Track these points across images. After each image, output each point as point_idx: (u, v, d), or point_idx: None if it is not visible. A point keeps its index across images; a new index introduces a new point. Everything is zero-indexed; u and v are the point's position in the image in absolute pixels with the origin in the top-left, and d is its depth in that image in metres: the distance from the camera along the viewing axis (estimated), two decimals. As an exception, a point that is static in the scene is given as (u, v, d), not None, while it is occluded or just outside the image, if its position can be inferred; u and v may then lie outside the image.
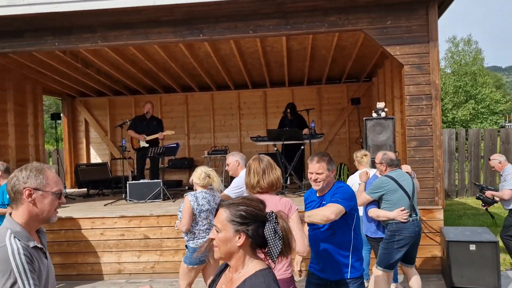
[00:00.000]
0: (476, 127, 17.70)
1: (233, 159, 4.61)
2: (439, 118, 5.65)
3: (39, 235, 1.91)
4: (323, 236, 2.97)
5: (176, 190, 8.79)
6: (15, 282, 1.65)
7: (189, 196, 4.01)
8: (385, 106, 5.84)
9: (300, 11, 5.65)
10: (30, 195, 1.81)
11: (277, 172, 2.93)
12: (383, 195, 4.18)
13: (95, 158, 10.64)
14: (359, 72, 9.55)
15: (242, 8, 5.63)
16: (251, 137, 8.00)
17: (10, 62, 7.51)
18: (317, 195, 3.10)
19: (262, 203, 1.74)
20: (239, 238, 1.65)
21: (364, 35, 5.96)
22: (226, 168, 4.76)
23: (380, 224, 4.42)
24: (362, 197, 4.26)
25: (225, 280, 1.74)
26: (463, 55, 24.84)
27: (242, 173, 4.36)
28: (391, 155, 4.43)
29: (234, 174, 4.62)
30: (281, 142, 7.17)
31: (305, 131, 7.80)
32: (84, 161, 10.44)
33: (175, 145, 7.38)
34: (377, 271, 4.18)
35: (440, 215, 5.61)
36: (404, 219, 4.08)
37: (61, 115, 10.53)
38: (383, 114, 5.72)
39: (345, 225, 2.93)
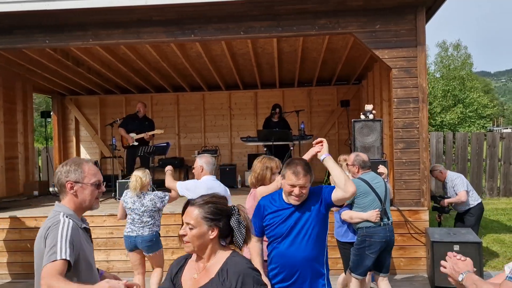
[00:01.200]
0: (464, 131, 17.95)
1: (199, 163, 4.34)
2: (425, 121, 5.76)
3: (82, 221, 2.19)
4: None
5: (166, 189, 8.79)
6: (54, 246, 1.93)
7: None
8: (373, 108, 5.93)
9: (290, 13, 5.73)
10: (72, 187, 2.09)
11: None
12: (355, 198, 4.01)
13: (85, 157, 10.61)
14: (349, 74, 9.66)
15: (233, 9, 5.69)
16: (241, 138, 8.07)
17: (0, 59, 7.47)
18: (288, 203, 2.76)
19: (226, 198, 1.98)
20: (212, 231, 1.86)
21: (354, 39, 6.05)
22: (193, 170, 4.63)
23: (349, 228, 4.33)
24: None
25: (196, 270, 1.92)
26: (452, 59, 25.18)
27: (204, 178, 4.24)
28: (364, 156, 4.32)
29: (197, 177, 4.36)
30: (271, 143, 7.24)
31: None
32: (74, 159, 10.38)
33: (165, 144, 7.41)
34: (350, 277, 4.16)
35: (425, 216, 5.72)
36: (376, 220, 3.99)
37: (51, 113, 10.47)
38: (371, 116, 5.82)
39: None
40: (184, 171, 9.87)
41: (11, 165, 8.37)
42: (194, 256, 1.97)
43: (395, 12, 5.70)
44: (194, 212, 1.86)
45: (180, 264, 2.01)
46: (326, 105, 10.37)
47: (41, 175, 11.11)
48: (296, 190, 2.64)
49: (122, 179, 7.81)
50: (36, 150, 11.33)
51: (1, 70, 7.98)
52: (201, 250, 1.88)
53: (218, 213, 1.88)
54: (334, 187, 2.72)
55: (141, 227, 4.58)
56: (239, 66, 8.66)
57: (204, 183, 4.14)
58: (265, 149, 7.30)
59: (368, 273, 4.29)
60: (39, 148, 12.41)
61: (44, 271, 1.89)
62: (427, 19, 6.06)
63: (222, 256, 1.89)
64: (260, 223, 2.82)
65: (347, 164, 4.44)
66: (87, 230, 2.18)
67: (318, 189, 2.79)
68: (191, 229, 1.85)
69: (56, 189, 2.20)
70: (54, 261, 1.90)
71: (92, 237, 5.58)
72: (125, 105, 10.41)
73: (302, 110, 8.15)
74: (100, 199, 7.78)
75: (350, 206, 4.16)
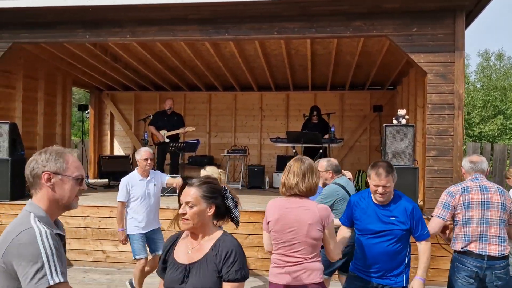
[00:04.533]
0: (504, 143, 17.24)
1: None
2: (461, 129, 5.57)
3: (56, 224, 1.78)
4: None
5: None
6: (41, 267, 1.53)
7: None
8: (407, 114, 5.79)
9: (324, 14, 5.69)
10: (49, 179, 1.70)
11: (316, 177, 2.83)
12: (334, 203, 4.05)
13: (118, 151, 10.90)
14: (383, 79, 9.48)
15: (267, 9, 5.71)
16: (270, 138, 8.06)
17: (43, 52, 7.81)
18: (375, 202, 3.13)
19: (217, 180, 2.21)
20: (210, 209, 2.07)
21: (389, 42, 5.94)
22: None
23: None
24: None
25: (190, 246, 2.10)
26: (494, 69, 24.27)
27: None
28: (335, 161, 4.35)
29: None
30: (300, 145, 7.20)
31: (326, 136, 7.81)
32: (108, 153, 10.70)
33: (195, 141, 7.51)
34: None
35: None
36: None
37: (88, 107, 10.85)
38: (403, 121, 5.68)
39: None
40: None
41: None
42: (185, 234, 2.14)
43: (433, 16, 5.55)
44: (192, 192, 2.05)
45: (172, 242, 2.17)
46: (358, 110, 10.21)
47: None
48: (380, 189, 2.99)
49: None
50: (73, 142, 11.75)
51: (43, 64, 8.34)
52: (199, 227, 2.06)
53: (215, 191, 2.09)
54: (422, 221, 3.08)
55: None
56: (271, 67, 8.67)
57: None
58: (293, 151, 7.27)
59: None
60: (76, 141, 12.86)
61: None
62: (467, 24, 5.88)
63: (215, 234, 2.08)
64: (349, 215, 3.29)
65: (319, 171, 4.28)
66: (61, 238, 1.73)
67: (412, 212, 3.07)
68: (191, 207, 2.03)
69: (27, 181, 1.75)
70: None
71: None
72: (159, 101, 10.62)
73: (333, 113, 8.05)
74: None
75: None
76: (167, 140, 7.81)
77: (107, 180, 8.90)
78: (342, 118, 10.19)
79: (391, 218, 3.04)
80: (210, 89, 10.49)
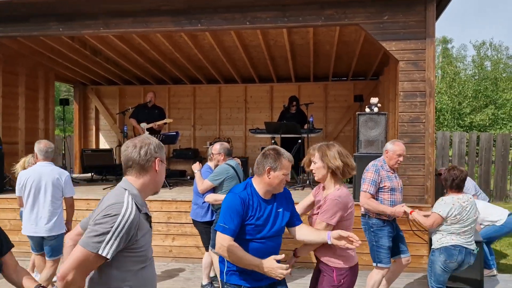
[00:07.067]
0: (495, 133, 17.28)
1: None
2: (432, 116, 5.60)
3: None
4: None
5: (179, 179, 8.94)
6: (106, 233, 1.73)
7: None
8: (379, 102, 5.81)
9: (297, 4, 5.69)
10: (159, 164, 1.95)
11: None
12: (224, 181, 4.52)
13: (104, 145, 10.90)
14: (365, 70, 9.49)
15: (239, -1, 5.71)
16: (250, 129, 8.09)
17: (22, 48, 7.79)
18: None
19: None
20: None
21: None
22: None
23: (209, 210, 4.78)
24: (205, 184, 4.57)
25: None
26: (487, 59, 24.27)
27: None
28: (227, 145, 4.90)
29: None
30: (279, 135, 7.22)
31: (305, 126, 7.83)
32: (94, 147, 10.71)
33: (174, 133, 7.52)
34: (213, 255, 4.59)
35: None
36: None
37: (72, 101, 10.83)
38: (376, 110, 5.71)
39: None
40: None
41: (32, 150, 8.69)
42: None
43: (404, 3, 5.56)
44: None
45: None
46: (342, 101, 10.22)
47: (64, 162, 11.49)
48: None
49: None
50: (60, 137, 11.73)
51: (24, 59, 8.31)
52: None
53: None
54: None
55: None
56: (252, 59, 8.66)
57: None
58: (272, 141, 7.29)
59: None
60: (62, 136, 12.83)
61: (76, 255, 1.73)
62: (439, 12, 5.88)
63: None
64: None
65: (212, 153, 4.86)
66: (148, 217, 1.96)
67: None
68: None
69: (129, 163, 1.93)
70: (90, 251, 1.73)
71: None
72: (143, 95, 10.59)
73: (311, 103, 8.05)
74: (111, 185, 7.93)
75: (214, 189, 4.59)
76: (147, 133, 7.82)
77: (90, 174, 8.91)
78: (326, 109, 10.21)
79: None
80: (194, 82, 10.48)
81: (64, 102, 9.78)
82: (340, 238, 2.56)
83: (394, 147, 4.28)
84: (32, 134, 8.71)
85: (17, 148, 8.15)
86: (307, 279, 3.78)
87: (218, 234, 2.51)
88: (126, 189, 1.87)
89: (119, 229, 1.73)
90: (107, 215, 1.75)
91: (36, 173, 4.39)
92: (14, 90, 8.24)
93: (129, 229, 1.77)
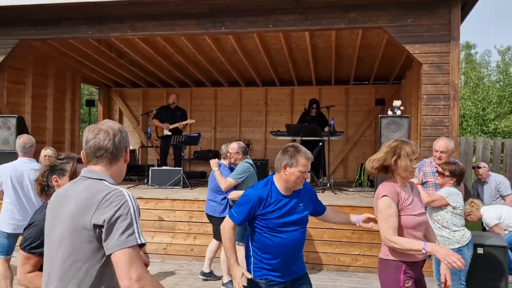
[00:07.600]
0: (519, 139, 16.87)
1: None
2: (456, 119, 5.55)
3: None
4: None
5: (199, 180, 9.04)
6: (131, 223, 1.61)
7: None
8: (401, 105, 5.79)
9: (319, 7, 5.74)
10: (127, 154, 1.85)
11: None
12: (246, 178, 4.71)
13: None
14: (387, 73, 9.45)
15: (263, 3, 5.81)
16: (270, 132, 8.14)
17: (51, 50, 8.06)
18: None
19: None
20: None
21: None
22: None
23: (227, 206, 4.90)
24: (229, 182, 4.75)
25: None
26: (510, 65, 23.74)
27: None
28: (243, 144, 5.08)
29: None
30: (300, 138, 7.25)
31: (325, 129, 7.83)
32: (117, 148, 10.91)
33: (197, 134, 7.64)
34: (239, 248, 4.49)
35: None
36: None
37: (97, 103, 11.09)
38: (398, 112, 5.69)
39: None
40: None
41: (58, 149, 8.94)
42: None
43: (428, 7, 5.55)
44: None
45: None
46: (363, 105, 10.19)
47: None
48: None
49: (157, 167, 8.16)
50: (81, 136, 12.02)
51: (52, 61, 8.60)
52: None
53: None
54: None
55: None
56: (274, 62, 8.74)
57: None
58: (293, 143, 7.31)
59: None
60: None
61: (125, 259, 1.56)
62: (464, 15, 5.85)
63: None
64: None
65: (230, 152, 4.99)
66: None
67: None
68: None
69: (100, 152, 1.77)
70: (132, 246, 1.58)
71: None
72: (166, 98, 10.78)
73: (333, 106, 8.04)
74: (133, 185, 8.10)
75: (235, 186, 4.76)
76: (170, 133, 7.97)
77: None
78: (347, 113, 10.19)
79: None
80: (215, 85, 10.62)
81: (90, 103, 10.03)
82: (368, 220, 2.74)
83: (434, 143, 4.59)
84: (59, 134, 8.99)
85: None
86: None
87: (227, 217, 2.67)
88: (102, 179, 1.73)
89: (135, 211, 1.65)
90: (117, 208, 1.62)
91: (17, 171, 4.07)
92: (43, 92, 8.53)
93: (138, 207, 1.70)
